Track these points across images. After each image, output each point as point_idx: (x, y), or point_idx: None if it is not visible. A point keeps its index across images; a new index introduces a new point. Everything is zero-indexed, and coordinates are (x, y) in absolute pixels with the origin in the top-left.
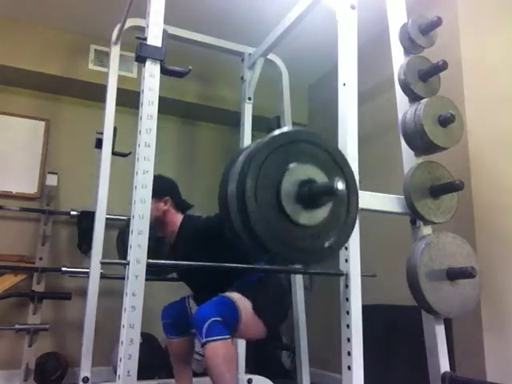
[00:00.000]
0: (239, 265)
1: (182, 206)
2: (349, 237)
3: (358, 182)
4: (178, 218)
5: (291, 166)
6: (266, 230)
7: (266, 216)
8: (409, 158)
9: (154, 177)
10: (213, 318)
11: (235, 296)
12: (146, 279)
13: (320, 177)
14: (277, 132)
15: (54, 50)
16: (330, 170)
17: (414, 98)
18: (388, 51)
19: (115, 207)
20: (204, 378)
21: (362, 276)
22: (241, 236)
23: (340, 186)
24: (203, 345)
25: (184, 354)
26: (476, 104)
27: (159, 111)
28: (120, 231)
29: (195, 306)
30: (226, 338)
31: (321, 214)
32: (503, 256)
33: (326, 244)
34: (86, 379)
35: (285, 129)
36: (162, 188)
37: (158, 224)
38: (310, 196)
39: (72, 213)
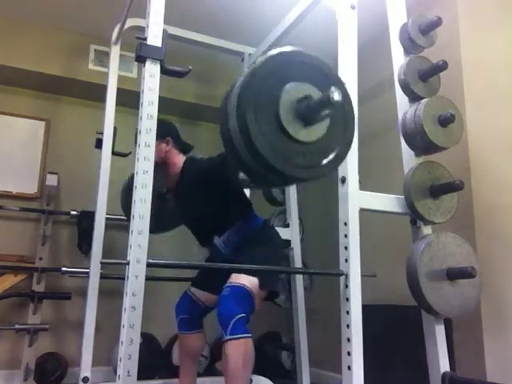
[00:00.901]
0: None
1: (183, 147)
2: (347, 152)
3: (358, 181)
4: (180, 159)
5: (287, 86)
6: (270, 150)
7: (269, 137)
8: (409, 158)
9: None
10: (238, 316)
11: (245, 281)
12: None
13: (316, 94)
14: (270, 53)
15: (54, 50)
16: (325, 87)
17: (414, 98)
18: (388, 51)
19: (115, 207)
20: (204, 378)
21: (361, 276)
22: (247, 163)
23: (336, 96)
24: (226, 341)
25: (195, 350)
26: (476, 104)
27: (159, 111)
28: (124, 187)
29: (200, 291)
30: (248, 337)
31: (319, 130)
32: (503, 256)
33: (325, 161)
34: (85, 379)
35: (278, 49)
36: (163, 129)
37: (160, 167)
38: (308, 111)
39: (72, 213)
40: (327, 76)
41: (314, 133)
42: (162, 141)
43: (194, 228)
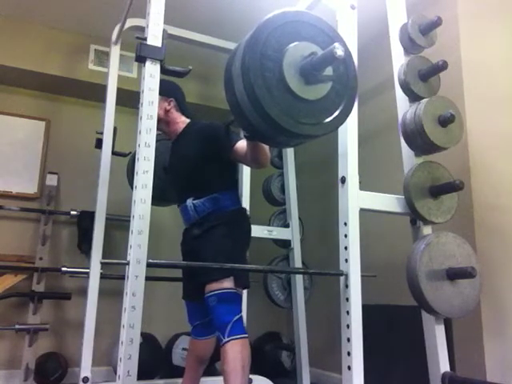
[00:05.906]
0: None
1: (185, 110)
2: (350, 111)
3: (358, 181)
4: (181, 120)
5: (291, 45)
6: (278, 110)
7: (276, 97)
8: (409, 158)
9: (161, 80)
10: (234, 320)
11: (226, 284)
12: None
13: (320, 53)
14: (274, 13)
15: (54, 50)
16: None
17: (414, 98)
18: (388, 51)
19: (115, 207)
20: (204, 378)
21: (361, 276)
22: (256, 126)
23: (339, 52)
24: (225, 343)
25: (206, 356)
26: (476, 104)
27: None
28: (130, 160)
29: (197, 297)
30: (245, 337)
31: (324, 88)
32: (503, 256)
33: (330, 117)
34: (85, 379)
35: (282, 10)
36: (168, 89)
37: (160, 123)
38: (312, 67)
39: (72, 213)
40: (331, 38)
41: (318, 91)
42: (165, 99)
43: (176, 182)
